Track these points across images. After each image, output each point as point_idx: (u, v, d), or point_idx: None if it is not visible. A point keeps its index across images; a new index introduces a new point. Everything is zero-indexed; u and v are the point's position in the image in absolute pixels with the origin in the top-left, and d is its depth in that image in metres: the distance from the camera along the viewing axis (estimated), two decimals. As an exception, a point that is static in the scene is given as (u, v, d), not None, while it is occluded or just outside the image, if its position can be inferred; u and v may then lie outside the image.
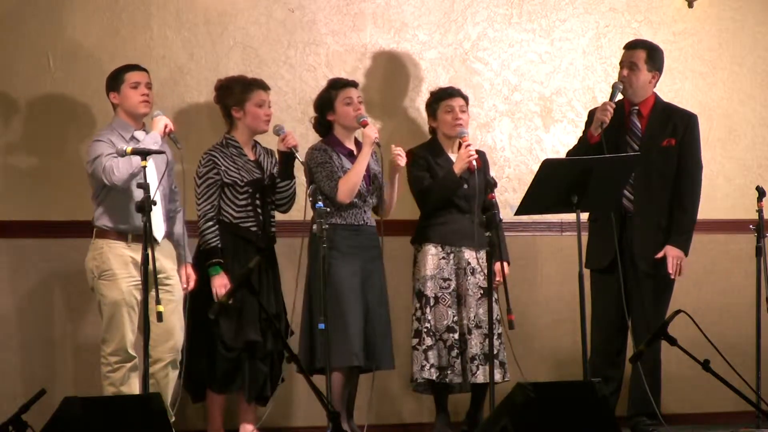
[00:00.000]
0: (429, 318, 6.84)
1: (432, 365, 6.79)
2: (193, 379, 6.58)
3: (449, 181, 6.83)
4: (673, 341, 5.30)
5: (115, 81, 6.40)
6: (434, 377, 6.79)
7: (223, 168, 6.58)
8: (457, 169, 6.82)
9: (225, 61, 7.22)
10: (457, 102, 6.97)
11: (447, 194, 6.86)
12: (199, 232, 6.55)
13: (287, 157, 6.61)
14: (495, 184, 7.01)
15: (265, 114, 6.67)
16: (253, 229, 6.61)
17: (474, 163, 6.75)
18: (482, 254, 6.54)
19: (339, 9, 7.42)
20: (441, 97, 6.99)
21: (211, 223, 6.54)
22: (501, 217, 6.50)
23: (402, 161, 6.71)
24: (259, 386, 6.58)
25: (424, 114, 7.48)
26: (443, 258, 6.88)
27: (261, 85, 6.70)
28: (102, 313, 6.34)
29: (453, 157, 6.97)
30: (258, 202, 6.64)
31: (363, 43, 7.46)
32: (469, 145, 6.78)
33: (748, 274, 7.31)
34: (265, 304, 6.52)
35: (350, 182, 6.62)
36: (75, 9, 7.05)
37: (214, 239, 6.53)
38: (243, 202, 6.60)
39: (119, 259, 6.29)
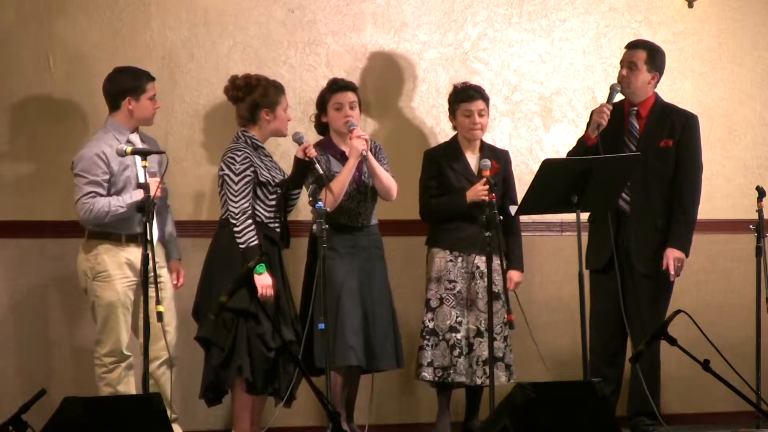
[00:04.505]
0: (426, 319, 6.86)
1: (422, 365, 6.82)
2: (215, 381, 6.46)
3: (457, 207, 6.81)
4: (673, 341, 5.30)
5: (136, 88, 6.39)
6: (429, 377, 6.80)
7: (257, 167, 6.49)
8: (469, 198, 6.79)
9: (225, 61, 7.22)
10: (477, 106, 6.91)
11: (451, 217, 6.85)
12: (238, 230, 6.36)
13: (304, 166, 6.54)
14: (496, 184, 7.00)
15: (288, 118, 6.66)
16: (278, 230, 6.58)
17: (487, 198, 6.59)
18: (494, 259, 6.53)
19: (339, 9, 7.42)
20: (462, 98, 6.92)
21: (250, 221, 6.39)
22: (501, 218, 6.49)
23: (361, 147, 6.55)
24: (289, 387, 6.50)
25: (424, 114, 7.50)
26: (451, 261, 6.88)
27: (283, 89, 6.66)
28: (96, 314, 6.35)
29: (471, 160, 6.94)
30: (281, 203, 6.61)
31: (363, 43, 7.46)
32: (486, 182, 6.64)
33: (748, 274, 7.31)
34: (287, 305, 6.52)
35: (333, 194, 6.54)
36: (75, 9, 7.05)
37: (255, 238, 6.38)
38: (272, 203, 6.52)
39: (114, 260, 6.30)
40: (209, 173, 7.13)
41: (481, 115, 6.92)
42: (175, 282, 6.56)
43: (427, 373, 6.82)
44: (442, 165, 6.94)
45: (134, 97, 6.39)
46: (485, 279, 6.78)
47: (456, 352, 6.81)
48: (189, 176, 7.16)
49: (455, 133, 7.05)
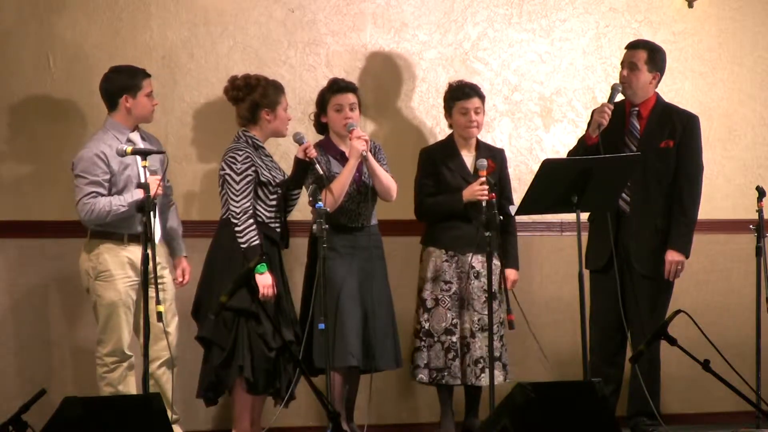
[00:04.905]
0: (421, 320, 6.87)
1: (417, 366, 6.83)
2: (216, 381, 6.44)
3: (453, 207, 6.80)
4: (673, 341, 5.30)
5: (132, 87, 6.39)
6: (426, 379, 6.81)
7: (258, 166, 6.49)
8: (465, 197, 6.78)
9: (225, 61, 7.22)
10: (473, 104, 6.90)
11: (448, 216, 6.85)
12: (239, 229, 6.37)
13: (304, 166, 6.55)
14: (495, 184, 6.99)
15: (288, 118, 6.66)
16: (278, 230, 6.58)
17: (484, 198, 6.58)
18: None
19: (339, 9, 7.42)
20: (457, 96, 6.91)
21: (252, 220, 6.40)
22: (501, 218, 6.48)
23: (361, 147, 6.54)
24: (289, 387, 6.49)
25: (424, 114, 7.50)
26: (446, 261, 6.87)
27: (283, 89, 6.67)
28: (98, 314, 6.35)
29: (467, 158, 6.94)
30: (282, 203, 6.61)
31: (363, 43, 7.46)
32: (484, 182, 6.65)
33: (748, 274, 7.31)
34: (287, 305, 6.52)
35: (333, 195, 6.54)
36: (75, 9, 7.05)
37: (257, 237, 6.39)
38: (273, 203, 6.53)
39: (116, 260, 6.30)
40: (209, 173, 7.13)
41: (477, 113, 6.92)
42: (180, 279, 6.55)
43: (424, 375, 6.82)
44: (438, 163, 6.94)
45: (131, 95, 6.39)
46: (480, 279, 6.79)
47: (450, 355, 6.80)
48: (189, 176, 7.16)
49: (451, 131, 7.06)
